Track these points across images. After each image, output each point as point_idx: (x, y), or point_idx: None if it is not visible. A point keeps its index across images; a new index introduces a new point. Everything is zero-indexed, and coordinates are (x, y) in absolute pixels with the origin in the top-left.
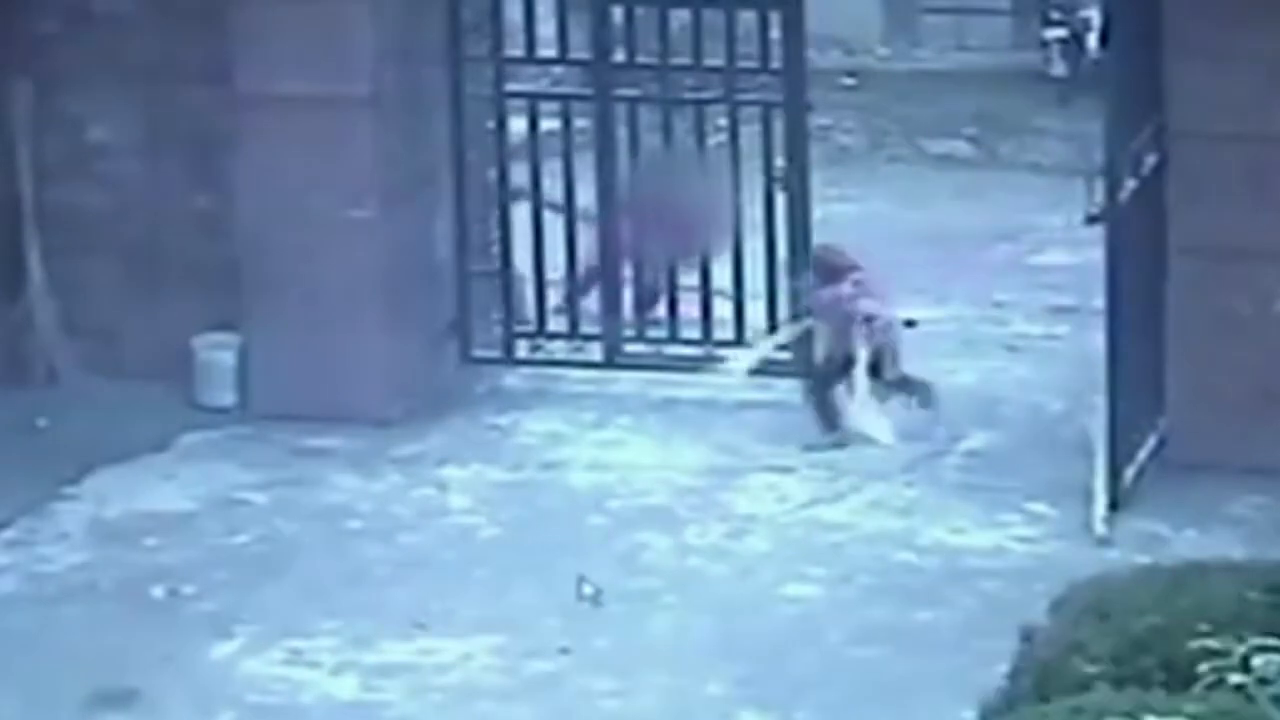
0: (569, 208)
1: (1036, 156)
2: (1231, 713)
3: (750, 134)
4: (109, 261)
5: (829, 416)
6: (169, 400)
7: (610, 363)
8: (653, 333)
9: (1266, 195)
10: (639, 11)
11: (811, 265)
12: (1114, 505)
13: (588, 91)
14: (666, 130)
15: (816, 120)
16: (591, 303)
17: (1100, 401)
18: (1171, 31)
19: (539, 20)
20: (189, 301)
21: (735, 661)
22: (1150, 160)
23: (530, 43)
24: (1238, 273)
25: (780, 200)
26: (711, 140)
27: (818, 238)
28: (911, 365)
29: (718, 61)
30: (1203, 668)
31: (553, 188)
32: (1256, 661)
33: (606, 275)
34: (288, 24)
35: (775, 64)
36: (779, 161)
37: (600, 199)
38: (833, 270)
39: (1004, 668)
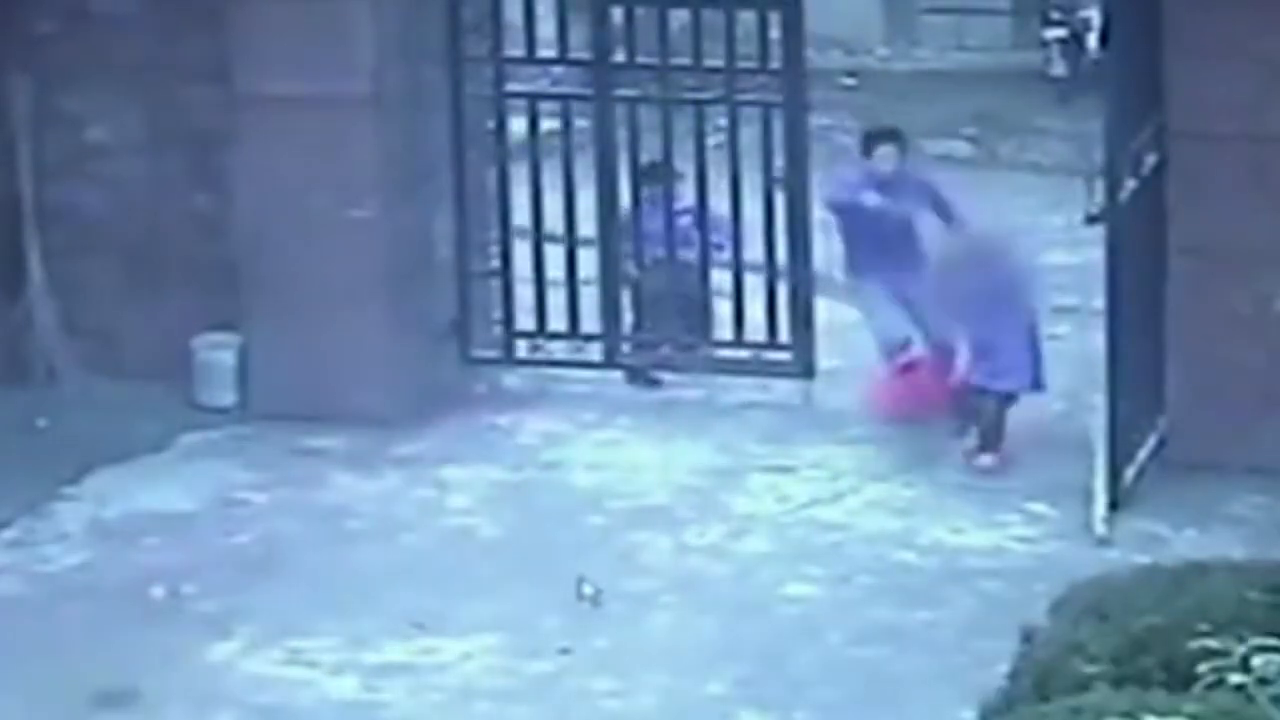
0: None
1: (1036, 156)
2: (1231, 713)
3: (750, 134)
4: (109, 261)
5: None
6: (169, 400)
7: (610, 363)
8: (652, 333)
9: (1266, 195)
10: (639, 11)
11: None
12: (1114, 505)
13: (588, 91)
14: (666, 130)
15: (816, 120)
16: None
17: (1100, 401)
18: (1171, 31)
19: (539, 20)
20: (189, 301)
21: (735, 661)
22: (1150, 160)
23: (530, 43)
24: (1238, 273)
25: (780, 200)
26: (711, 140)
27: (817, 237)
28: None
29: (718, 61)
30: (1203, 668)
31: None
32: (1256, 661)
33: (606, 278)
34: (288, 24)
35: (775, 64)
36: (779, 161)
37: (599, 201)
38: None
39: (1004, 668)
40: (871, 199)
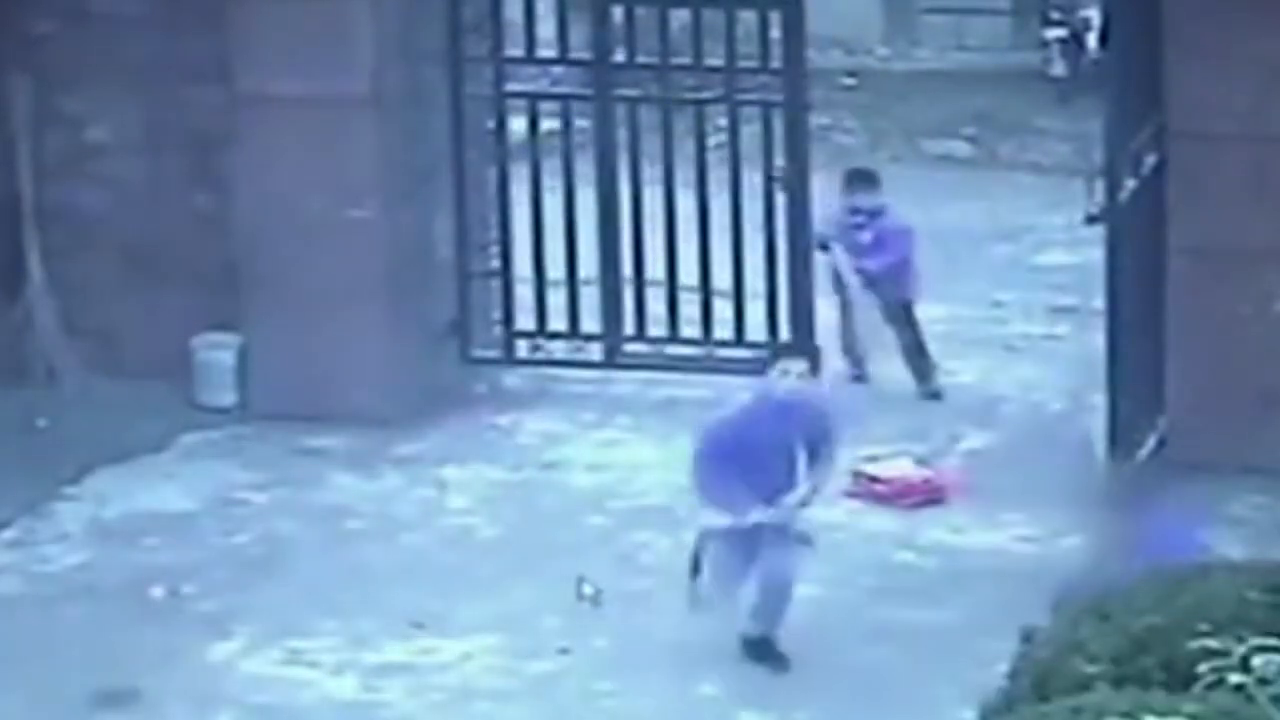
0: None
1: (1036, 156)
2: (1231, 713)
3: (750, 134)
4: (109, 261)
5: None
6: (169, 400)
7: (610, 363)
8: (653, 331)
9: (1266, 195)
10: (639, 11)
11: None
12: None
13: (588, 91)
14: (666, 130)
15: (816, 120)
16: None
17: (1100, 401)
18: (1171, 32)
19: (539, 20)
20: (189, 301)
21: (735, 661)
22: (1150, 160)
23: (530, 43)
24: (1238, 273)
25: (780, 200)
26: (711, 140)
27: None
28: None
29: (718, 61)
30: (1203, 668)
31: None
32: (1256, 661)
33: (606, 278)
34: (288, 23)
35: (775, 64)
36: (779, 161)
37: (600, 201)
38: None
39: (1004, 668)
40: None
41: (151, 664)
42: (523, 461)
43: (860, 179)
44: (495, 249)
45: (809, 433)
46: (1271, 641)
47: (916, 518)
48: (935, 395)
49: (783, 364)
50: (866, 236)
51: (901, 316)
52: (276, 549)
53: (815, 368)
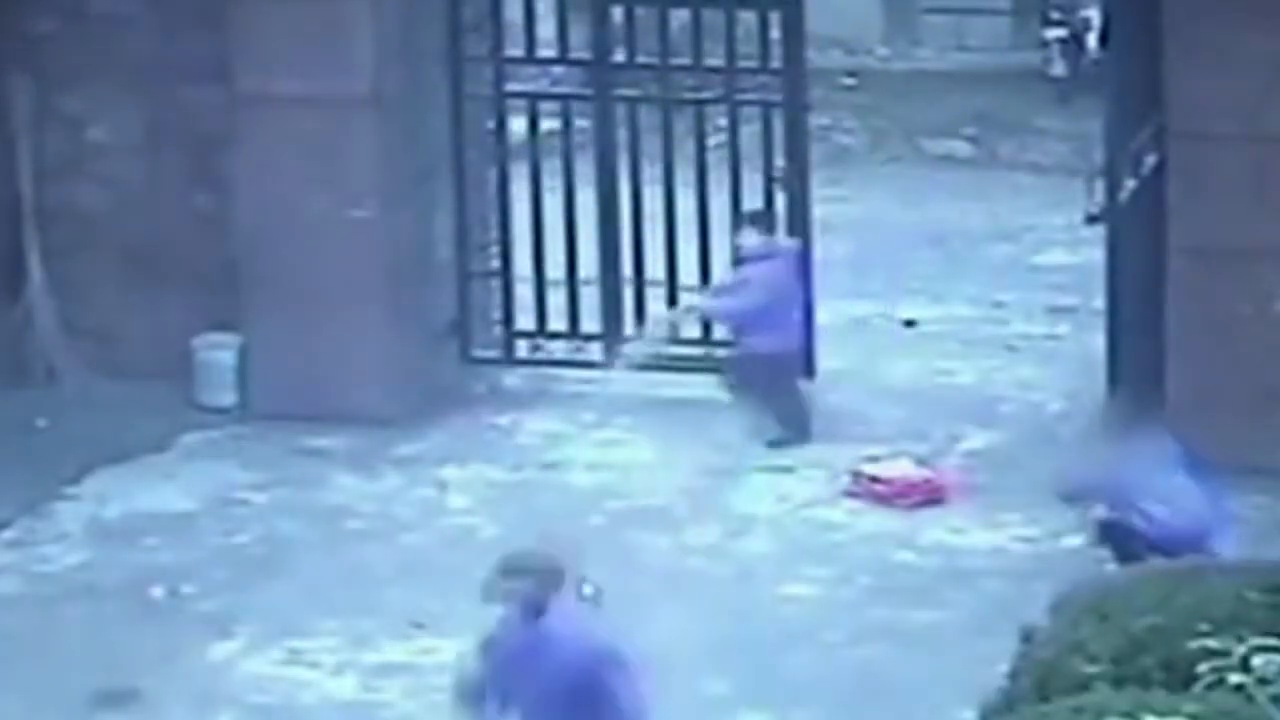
0: None
1: (1036, 156)
2: (1231, 713)
3: (750, 134)
4: (109, 261)
5: None
6: (169, 400)
7: (610, 363)
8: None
9: (1266, 195)
10: (639, 11)
11: None
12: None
13: (588, 91)
14: (666, 130)
15: (816, 120)
16: None
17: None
18: (1171, 31)
19: (539, 20)
20: (189, 301)
21: (735, 661)
22: (1150, 160)
23: (530, 43)
24: (1238, 273)
25: (780, 200)
26: (711, 140)
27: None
28: (911, 365)
29: (718, 61)
30: (1202, 668)
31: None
32: (1256, 661)
33: (606, 278)
34: (288, 23)
35: (775, 64)
36: (779, 161)
37: (600, 201)
38: None
39: (1004, 668)
40: None
41: (151, 664)
42: (523, 461)
43: (748, 220)
44: (495, 249)
45: (569, 670)
46: (1271, 641)
47: (916, 518)
48: (782, 442)
49: (503, 585)
50: (729, 278)
51: (758, 370)
52: (276, 549)
53: (552, 580)
